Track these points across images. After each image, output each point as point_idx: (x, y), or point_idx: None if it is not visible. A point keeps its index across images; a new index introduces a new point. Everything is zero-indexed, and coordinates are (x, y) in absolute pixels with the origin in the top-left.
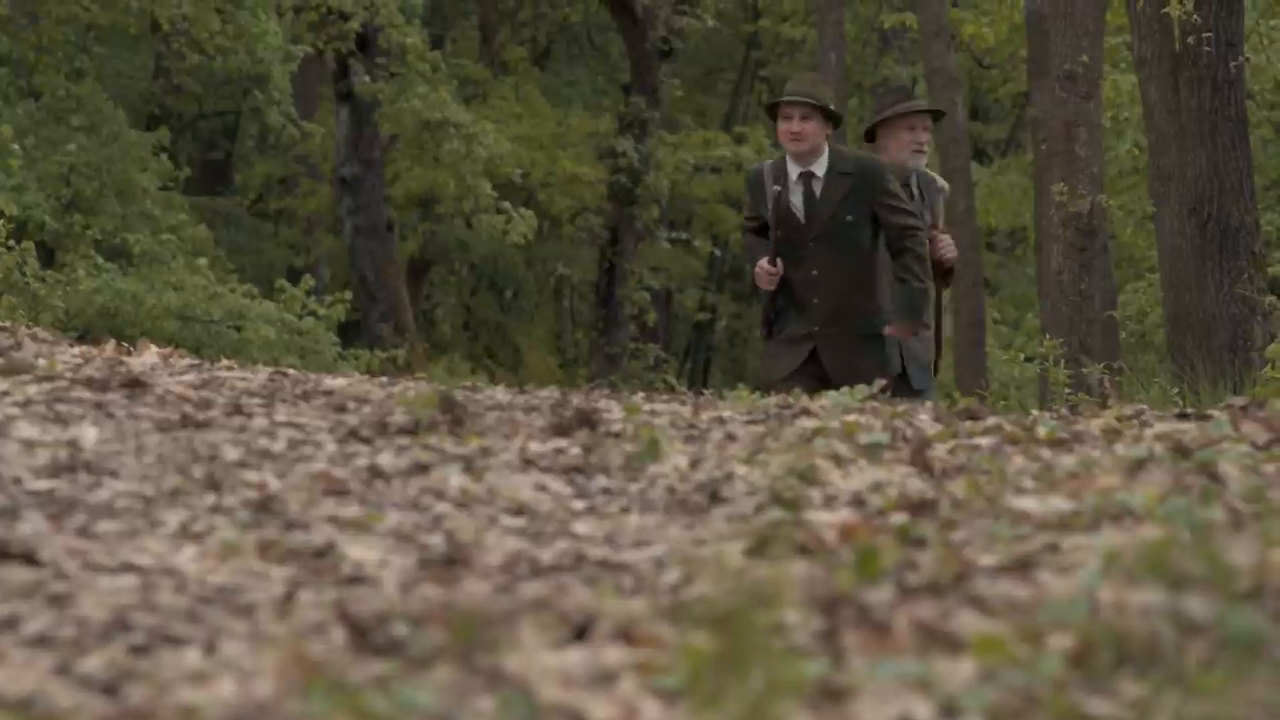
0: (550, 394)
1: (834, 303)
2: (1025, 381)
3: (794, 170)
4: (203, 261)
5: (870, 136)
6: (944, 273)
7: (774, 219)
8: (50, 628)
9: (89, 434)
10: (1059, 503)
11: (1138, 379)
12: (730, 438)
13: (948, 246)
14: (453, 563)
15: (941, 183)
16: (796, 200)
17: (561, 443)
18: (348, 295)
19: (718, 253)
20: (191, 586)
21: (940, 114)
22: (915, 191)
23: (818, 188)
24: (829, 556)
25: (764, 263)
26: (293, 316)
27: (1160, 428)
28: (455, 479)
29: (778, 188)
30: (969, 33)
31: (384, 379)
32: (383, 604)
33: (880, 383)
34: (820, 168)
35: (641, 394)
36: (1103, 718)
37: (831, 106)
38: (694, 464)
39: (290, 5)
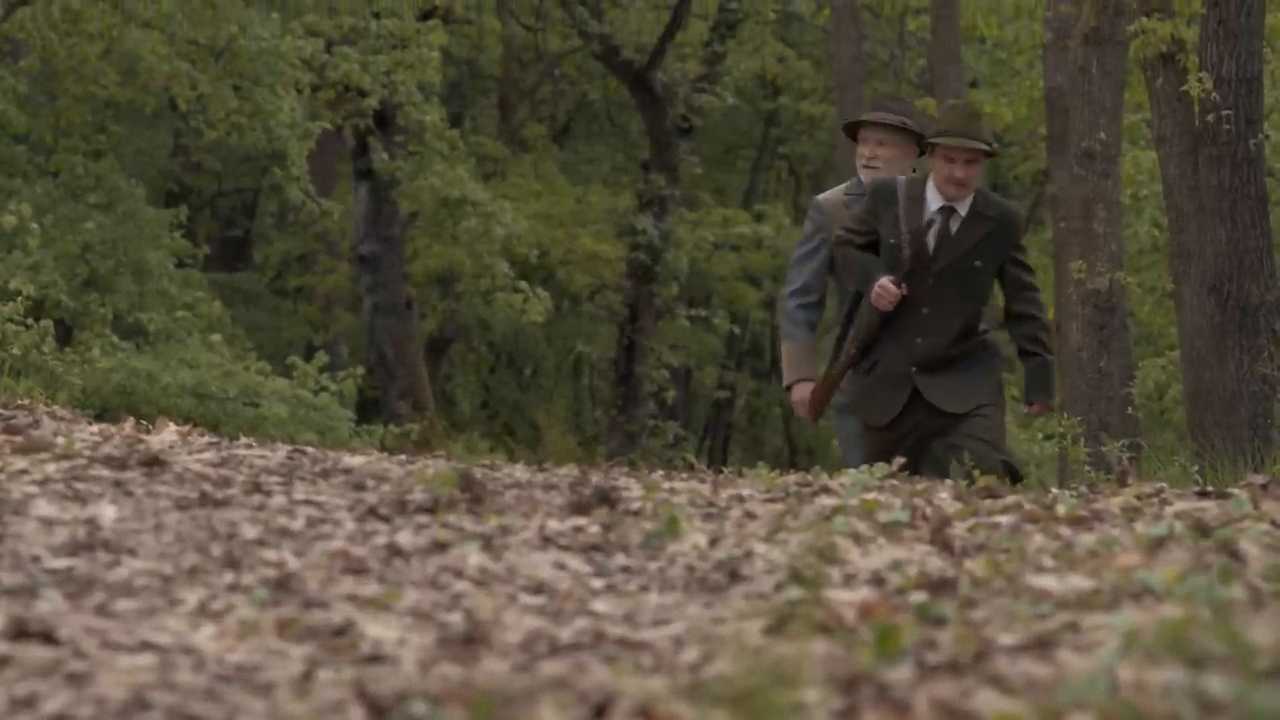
0: (569, 472)
1: (937, 346)
2: (1044, 459)
3: (934, 200)
4: (216, 338)
5: (851, 134)
6: None
7: (904, 245)
8: (69, 707)
9: (108, 512)
10: (1079, 581)
11: (1157, 457)
12: (749, 516)
13: None
14: (472, 641)
15: None
16: (930, 232)
17: (580, 521)
18: (360, 370)
19: (737, 330)
20: (210, 665)
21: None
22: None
23: (954, 225)
24: (848, 635)
25: (888, 282)
26: (307, 393)
27: (1180, 506)
28: (474, 557)
29: (919, 218)
30: (986, 113)
31: (402, 456)
32: (401, 682)
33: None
34: (964, 206)
35: (660, 472)
36: None
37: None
38: (713, 542)
39: (308, 82)
